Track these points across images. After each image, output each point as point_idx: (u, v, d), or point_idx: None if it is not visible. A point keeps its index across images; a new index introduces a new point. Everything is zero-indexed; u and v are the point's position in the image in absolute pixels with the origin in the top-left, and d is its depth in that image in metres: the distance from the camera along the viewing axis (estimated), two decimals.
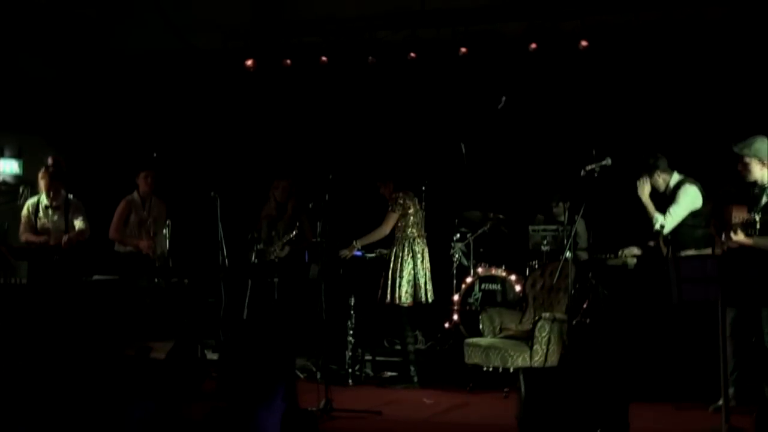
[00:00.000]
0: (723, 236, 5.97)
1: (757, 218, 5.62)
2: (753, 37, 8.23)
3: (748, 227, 5.69)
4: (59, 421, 4.22)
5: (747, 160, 6.17)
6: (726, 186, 6.58)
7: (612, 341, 7.27)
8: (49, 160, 8.04)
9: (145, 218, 8.36)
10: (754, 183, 6.19)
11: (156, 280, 8.08)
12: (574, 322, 7.21)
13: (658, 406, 6.60)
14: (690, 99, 8.65)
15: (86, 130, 10.28)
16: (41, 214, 8.02)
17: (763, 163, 6.14)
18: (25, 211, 8.04)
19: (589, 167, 6.76)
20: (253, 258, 8.40)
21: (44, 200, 8.05)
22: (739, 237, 5.79)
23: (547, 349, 6.96)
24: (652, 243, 7.01)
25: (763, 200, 6.08)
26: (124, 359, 6.98)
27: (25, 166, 9.71)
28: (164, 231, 8.43)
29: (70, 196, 8.17)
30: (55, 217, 8.04)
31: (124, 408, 3.58)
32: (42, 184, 8.00)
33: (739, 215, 5.81)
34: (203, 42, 9.83)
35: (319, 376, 7.36)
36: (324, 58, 9.50)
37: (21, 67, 9.45)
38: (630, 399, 5.44)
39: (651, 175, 6.92)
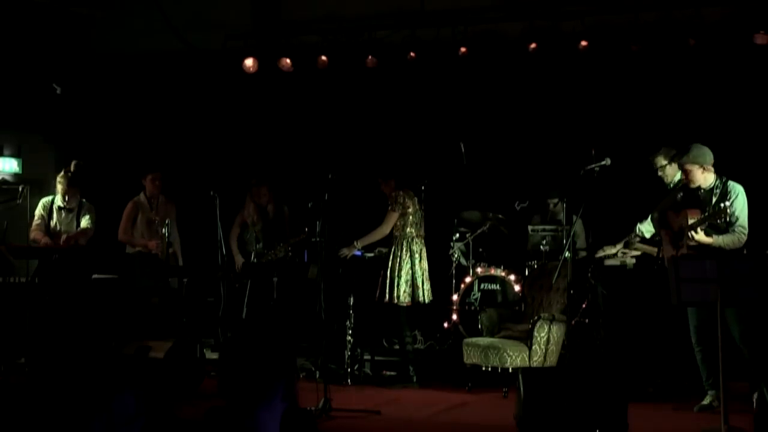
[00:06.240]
0: (679, 239, 6.29)
1: (729, 211, 5.89)
2: (751, 37, 8.23)
3: (712, 224, 6.01)
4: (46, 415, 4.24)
5: (688, 167, 6.33)
6: (672, 192, 6.76)
7: (611, 341, 7.28)
8: (72, 165, 8.05)
9: (153, 219, 8.36)
10: (699, 188, 6.36)
11: (168, 279, 8.10)
12: (573, 322, 7.23)
13: (657, 406, 6.62)
14: (688, 99, 8.66)
15: (86, 130, 10.27)
16: (54, 214, 8.07)
17: (703, 168, 6.30)
18: (39, 211, 8.08)
19: (588, 167, 6.78)
20: (252, 258, 8.42)
21: (58, 201, 8.10)
22: (701, 236, 6.08)
23: (546, 350, 6.96)
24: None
25: (713, 200, 6.21)
26: (121, 357, 6.99)
27: (24, 165, 9.71)
28: (175, 231, 8.43)
29: (83, 200, 8.24)
30: (68, 220, 8.11)
31: (103, 402, 3.59)
32: (60, 186, 8.03)
33: (694, 217, 6.13)
34: (203, 42, 9.81)
35: (318, 375, 7.35)
36: (323, 58, 9.46)
37: (20, 66, 9.44)
38: (629, 399, 5.47)
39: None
